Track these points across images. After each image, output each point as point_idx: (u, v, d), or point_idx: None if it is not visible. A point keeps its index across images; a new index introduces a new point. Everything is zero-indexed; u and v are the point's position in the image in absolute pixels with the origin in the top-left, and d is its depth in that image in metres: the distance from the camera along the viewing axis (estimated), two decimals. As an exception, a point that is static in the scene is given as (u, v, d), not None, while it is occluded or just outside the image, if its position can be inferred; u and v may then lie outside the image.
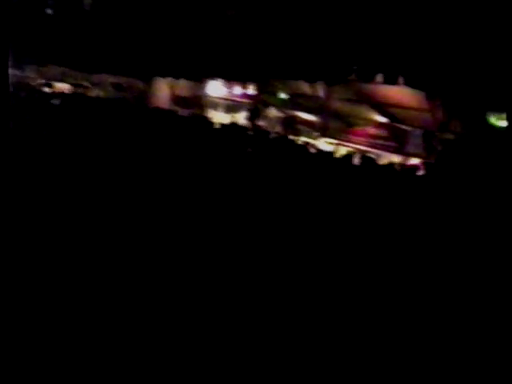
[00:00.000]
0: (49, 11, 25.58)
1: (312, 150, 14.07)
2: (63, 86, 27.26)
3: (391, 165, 12.65)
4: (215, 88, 22.26)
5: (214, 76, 20.81)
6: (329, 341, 4.19)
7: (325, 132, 16.91)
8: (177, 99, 24.18)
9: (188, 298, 4.63)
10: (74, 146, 11.12)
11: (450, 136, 13.95)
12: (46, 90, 24.54)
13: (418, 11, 11.56)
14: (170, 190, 8.79)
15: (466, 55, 11.28)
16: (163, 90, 24.92)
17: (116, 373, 3.38)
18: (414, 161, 14.53)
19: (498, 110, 12.41)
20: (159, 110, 18.77)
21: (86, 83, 28.03)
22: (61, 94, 22.05)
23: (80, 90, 26.26)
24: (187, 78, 21.80)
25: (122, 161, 10.36)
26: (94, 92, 26.98)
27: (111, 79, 26.91)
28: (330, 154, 13.84)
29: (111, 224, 6.51)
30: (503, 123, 12.30)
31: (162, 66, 20.76)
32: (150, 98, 24.77)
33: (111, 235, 6.07)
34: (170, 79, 23.63)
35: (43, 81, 27.59)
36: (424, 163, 13.71)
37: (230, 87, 21.37)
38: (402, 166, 13.45)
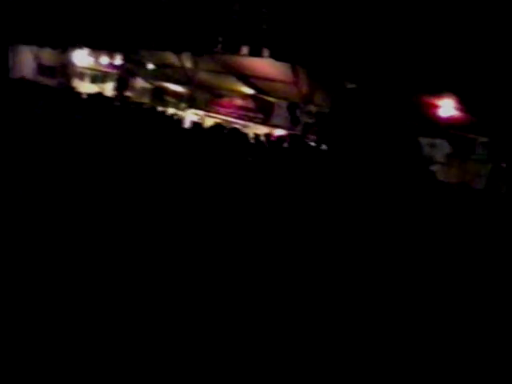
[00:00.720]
0: None
1: (180, 121, 14.07)
2: None
3: (257, 136, 12.91)
4: (81, 57, 21.58)
5: (79, 45, 20.18)
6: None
7: (192, 103, 16.93)
8: (41, 69, 23.24)
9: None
10: None
11: (313, 108, 14.43)
12: None
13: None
14: (33, 163, 8.51)
15: (326, 28, 11.63)
16: (27, 59, 23.87)
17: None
18: (280, 132, 14.89)
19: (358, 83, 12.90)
20: (23, 81, 17.97)
21: None
22: None
23: None
24: (52, 46, 21.01)
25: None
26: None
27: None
28: (198, 125, 13.90)
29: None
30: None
31: (25, 33, 19.86)
32: (13, 68, 23.62)
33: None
34: (34, 47, 22.67)
35: None
36: (289, 134, 14.09)
37: (96, 57, 20.82)
38: (268, 136, 13.74)
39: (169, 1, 14.54)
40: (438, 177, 9.84)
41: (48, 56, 22.69)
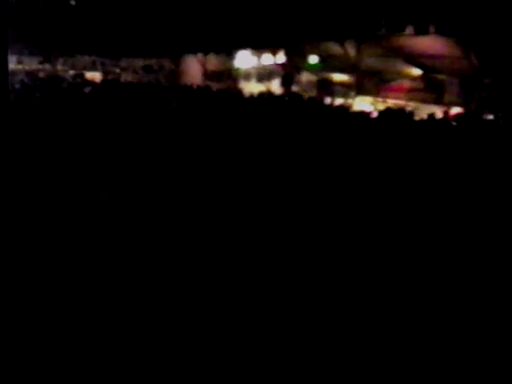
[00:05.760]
0: None
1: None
2: None
3: (432, 116, 12.48)
4: (245, 59, 21.94)
5: (242, 47, 20.57)
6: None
7: (360, 91, 16.66)
8: (208, 74, 24.06)
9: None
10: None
11: (487, 81, 13.58)
12: None
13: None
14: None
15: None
16: (195, 67, 24.84)
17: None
18: (456, 110, 14.20)
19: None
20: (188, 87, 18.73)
21: None
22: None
23: None
24: (216, 51, 21.65)
25: None
26: None
27: None
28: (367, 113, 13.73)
29: None
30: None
31: (191, 43, 20.56)
32: (181, 76, 24.70)
33: None
34: (199, 55, 23.52)
35: None
36: (466, 111, 13.44)
37: (259, 56, 21.03)
38: (445, 115, 13.26)
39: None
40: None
41: (213, 62, 23.45)
